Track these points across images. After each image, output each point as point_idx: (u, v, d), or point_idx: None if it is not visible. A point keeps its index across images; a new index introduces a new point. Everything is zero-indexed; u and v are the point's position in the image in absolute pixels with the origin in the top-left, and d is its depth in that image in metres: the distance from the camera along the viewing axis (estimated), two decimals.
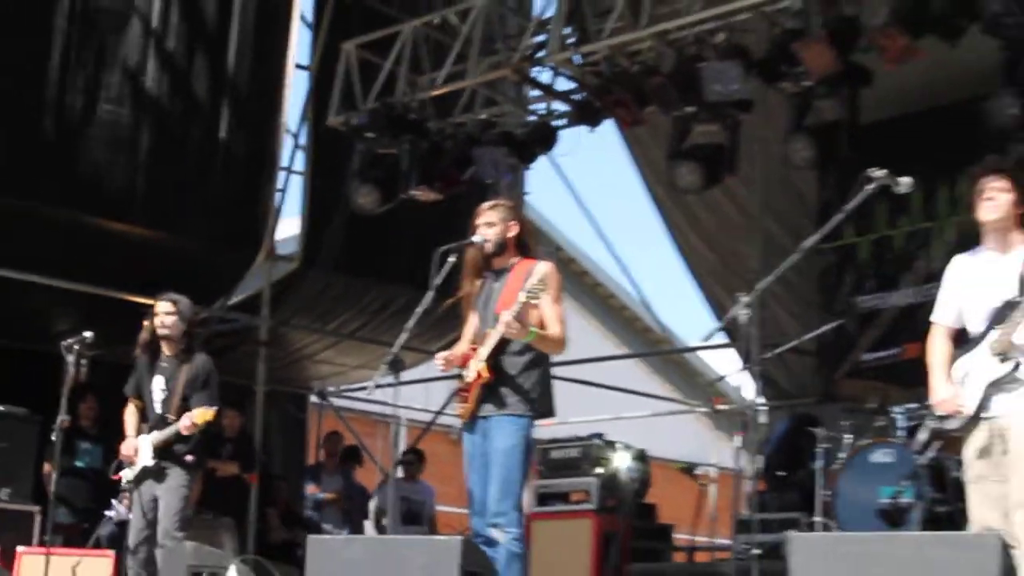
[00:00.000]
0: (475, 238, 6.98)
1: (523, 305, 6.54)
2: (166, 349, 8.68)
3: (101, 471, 11.40)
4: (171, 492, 8.39)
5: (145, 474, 8.45)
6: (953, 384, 6.24)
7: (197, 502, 11.25)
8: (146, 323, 8.71)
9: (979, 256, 6.35)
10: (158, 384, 8.60)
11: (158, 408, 8.54)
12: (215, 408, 8.41)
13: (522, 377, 6.73)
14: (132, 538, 8.45)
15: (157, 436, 8.42)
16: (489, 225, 6.95)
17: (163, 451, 8.43)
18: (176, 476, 8.42)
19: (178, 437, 8.38)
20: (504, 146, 12.19)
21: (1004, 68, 9.77)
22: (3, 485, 10.37)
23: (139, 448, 8.48)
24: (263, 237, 14.00)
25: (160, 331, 8.63)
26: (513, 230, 6.96)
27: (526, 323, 6.58)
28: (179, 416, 8.38)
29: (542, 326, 6.72)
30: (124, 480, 8.56)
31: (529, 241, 7.08)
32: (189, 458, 8.44)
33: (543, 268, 6.80)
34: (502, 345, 6.71)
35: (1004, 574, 4.46)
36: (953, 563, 4.51)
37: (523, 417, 6.70)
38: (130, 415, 8.69)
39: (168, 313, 8.64)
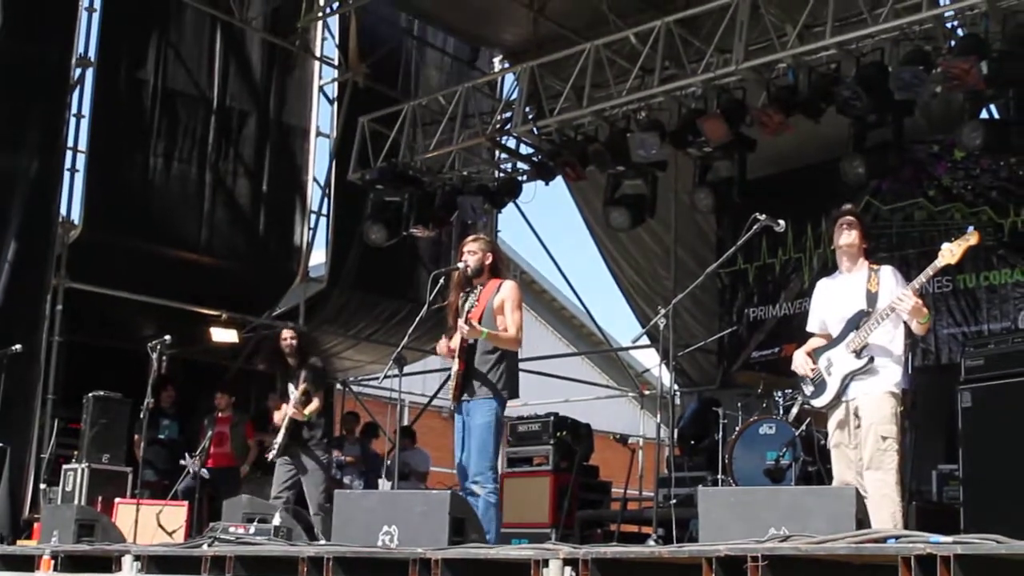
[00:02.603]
0: (459, 263, 6.97)
1: (467, 318, 6.58)
2: (290, 361, 8.82)
3: (177, 441, 11.38)
4: (310, 478, 8.56)
5: (282, 450, 8.56)
6: (809, 358, 6.28)
7: (252, 464, 11.30)
8: (275, 347, 8.98)
9: (836, 278, 6.40)
10: (291, 389, 8.69)
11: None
12: (313, 402, 8.61)
13: (492, 371, 6.69)
14: (274, 496, 8.61)
15: (288, 421, 8.57)
16: (471, 253, 6.92)
17: (293, 433, 8.56)
18: (310, 463, 8.59)
19: (302, 423, 8.56)
20: (480, 195, 12.18)
21: (853, 138, 9.86)
22: (103, 452, 10.28)
23: (281, 429, 8.60)
24: (298, 264, 14.00)
25: (286, 350, 8.82)
26: (488, 258, 6.94)
27: (477, 328, 6.55)
28: (303, 406, 8.60)
29: (506, 328, 6.73)
30: (271, 455, 8.70)
31: (500, 266, 7.05)
32: (318, 448, 8.63)
33: (507, 285, 6.84)
34: (473, 346, 6.72)
35: (858, 517, 4.47)
36: (821, 510, 4.52)
37: (493, 400, 6.68)
38: (278, 412, 8.76)
39: (291, 338, 8.85)
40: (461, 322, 6.57)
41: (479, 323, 6.59)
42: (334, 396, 16.05)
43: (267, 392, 10.16)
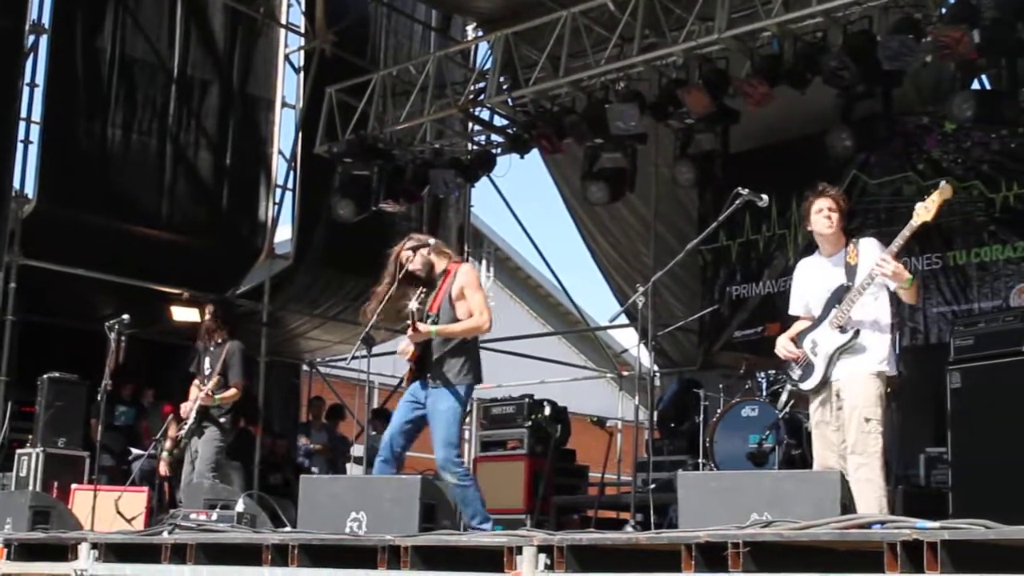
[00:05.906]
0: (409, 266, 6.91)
1: (413, 324, 6.60)
2: (211, 338, 8.77)
3: (134, 426, 11.34)
4: (206, 444, 8.50)
5: (191, 432, 8.53)
6: (792, 343, 6.25)
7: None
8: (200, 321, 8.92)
9: (816, 258, 6.34)
10: (206, 364, 8.68)
11: (206, 383, 8.60)
12: (229, 389, 8.54)
13: (452, 359, 6.68)
14: (183, 480, 8.58)
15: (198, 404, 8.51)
16: (413, 263, 6.90)
17: (203, 414, 8.50)
18: (211, 432, 8.52)
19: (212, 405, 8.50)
20: (453, 169, 12.16)
21: (839, 109, 9.87)
22: (59, 436, 10.23)
23: (190, 412, 8.55)
24: (263, 240, 13.94)
25: (208, 325, 8.78)
26: (432, 259, 6.90)
27: (425, 328, 6.59)
28: (215, 388, 8.50)
29: (471, 315, 6.70)
30: (179, 436, 8.67)
31: (445, 257, 6.98)
32: (223, 420, 8.54)
33: (462, 270, 6.89)
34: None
35: (843, 502, 4.49)
36: (805, 495, 4.53)
37: (453, 388, 6.67)
38: (193, 388, 8.72)
39: (207, 315, 8.83)
40: (410, 332, 6.60)
41: (437, 315, 6.64)
42: (300, 377, 16.06)
43: None
